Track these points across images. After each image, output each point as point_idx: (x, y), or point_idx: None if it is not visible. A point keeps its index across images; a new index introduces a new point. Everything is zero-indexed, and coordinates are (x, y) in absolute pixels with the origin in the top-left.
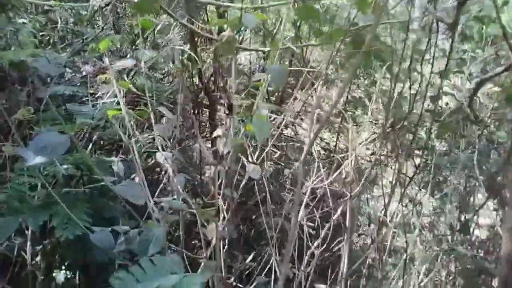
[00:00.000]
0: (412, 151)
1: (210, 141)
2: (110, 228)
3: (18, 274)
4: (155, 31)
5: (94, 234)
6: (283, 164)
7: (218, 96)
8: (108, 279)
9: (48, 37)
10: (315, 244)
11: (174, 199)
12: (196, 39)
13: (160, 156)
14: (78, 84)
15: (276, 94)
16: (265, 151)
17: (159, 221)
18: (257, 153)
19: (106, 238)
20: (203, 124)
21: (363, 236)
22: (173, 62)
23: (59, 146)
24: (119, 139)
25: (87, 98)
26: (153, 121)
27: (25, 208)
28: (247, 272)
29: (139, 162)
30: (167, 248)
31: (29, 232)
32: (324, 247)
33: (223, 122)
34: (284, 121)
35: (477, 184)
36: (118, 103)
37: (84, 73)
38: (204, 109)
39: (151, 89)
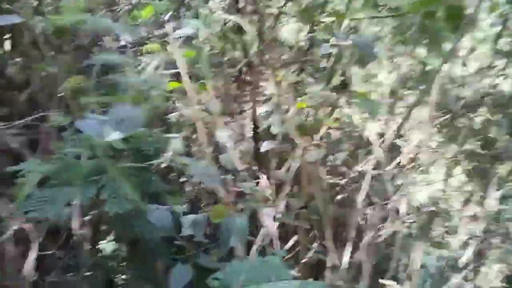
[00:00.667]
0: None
1: (252, 119)
2: (166, 207)
3: (66, 243)
4: None
5: (152, 213)
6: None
7: (262, 72)
8: (157, 254)
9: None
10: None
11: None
12: (240, 7)
13: (220, 133)
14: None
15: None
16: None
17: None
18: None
19: (165, 217)
20: (245, 101)
21: None
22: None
23: (136, 120)
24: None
25: (133, 68)
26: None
27: (74, 180)
28: None
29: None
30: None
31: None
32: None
33: (268, 99)
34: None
35: None
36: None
37: (123, 42)
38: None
39: (204, 60)
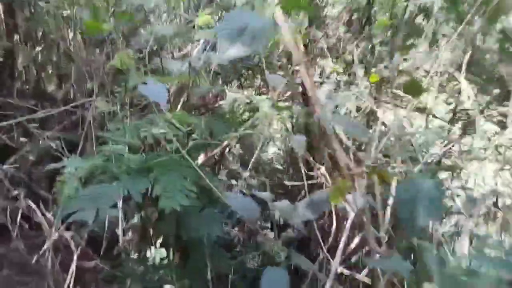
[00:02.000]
0: None
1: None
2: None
3: (109, 251)
4: None
5: (233, 200)
6: None
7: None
8: (205, 257)
9: None
10: None
11: None
12: None
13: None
14: None
15: None
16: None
17: None
18: None
19: (249, 205)
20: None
21: None
22: None
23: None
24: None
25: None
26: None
27: (124, 174)
28: None
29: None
30: None
31: (121, 203)
32: None
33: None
34: None
35: None
36: None
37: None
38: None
39: None
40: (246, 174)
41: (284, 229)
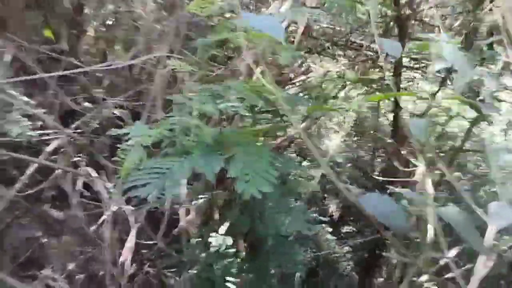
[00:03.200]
0: None
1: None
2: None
3: (169, 232)
4: None
5: (367, 199)
6: None
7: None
8: (277, 254)
9: None
10: None
11: None
12: None
13: None
14: None
15: None
16: None
17: None
18: None
19: (393, 210)
20: None
21: None
22: None
23: None
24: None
25: None
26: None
27: (196, 148)
28: None
29: None
30: None
31: (185, 182)
32: None
33: None
34: None
35: None
36: None
37: None
38: None
39: None
40: (325, 160)
41: (343, 223)
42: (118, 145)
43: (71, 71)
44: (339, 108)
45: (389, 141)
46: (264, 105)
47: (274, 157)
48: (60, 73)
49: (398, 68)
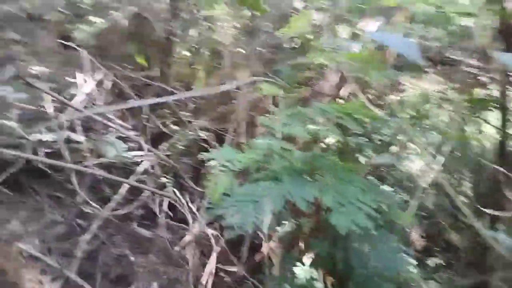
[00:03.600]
0: None
1: None
2: None
3: (250, 257)
4: None
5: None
6: None
7: None
8: None
9: None
10: None
11: None
12: None
13: None
14: None
15: None
16: None
17: None
18: None
19: None
20: None
21: None
22: None
23: None
24: None
25: None
26: None
27: (285, 173)
28: None
29: None
30: None
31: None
32: None
33: None
34: None
35: None
36: None
37: None
38: None
39: None
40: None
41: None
42: (201, 168)
43: (166, 98)
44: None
45: (497, 167)
46: (357, 127)
47: (368, 185)
48: (155, 100)
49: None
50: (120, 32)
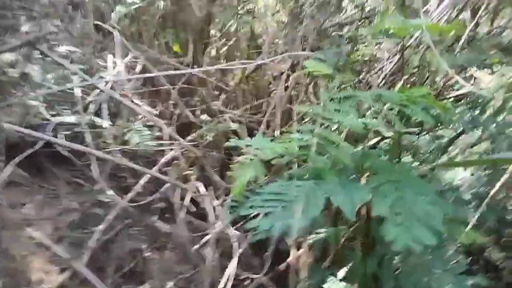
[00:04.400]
0: None
1: None
2: None
3: (276, 264)
4: None
5: None
6: None
7: None
8: None
9: None
10: None
11: None
12: None
13: None
14: None
15: None
16: None
17: None
18: None
19: None
20: None
21: None
22: None
23: None
24: None
25: None
26: None
27: (330, 172)
28: None
29: None
30: None
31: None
32: None
33: None
34: None
35: None
36: None
37: None
38: None
39: None
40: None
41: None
42: (230, 161)
43: (191, 70)
44: None
45: None
46: (428, 119)
47: (438, 194)
48: (177, 72)
49: None
50: (156, 14)
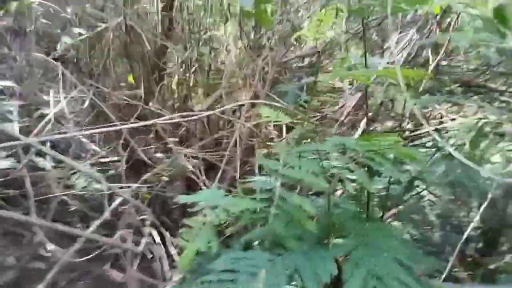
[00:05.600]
0: None
1: None
2: None
3: None
4: None
5: None
6: None
7: None
8: None
9: None
10: None
11: None
12: None
13: None
14: None
15: None
16: None
17: None
18: None
19: None
20: None
21: None
22: None
23: None
24: None
25: None
26: None
27: (291, 237)
28: None
29: None
30: None
31: None
32: None
33: None
34: None
35: None
36: None
37: None
38: None
39: None
40: None
41: None
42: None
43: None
44: None
45: None
46: (395, 172)
47: (410, 253)
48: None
49: None
50: (105, 45)
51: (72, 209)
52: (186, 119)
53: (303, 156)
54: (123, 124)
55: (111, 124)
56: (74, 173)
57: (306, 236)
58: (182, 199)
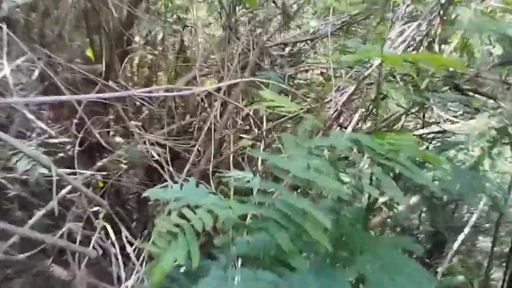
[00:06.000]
0: None
1: None
2: None
3: None
4: None
5: None
6: None
7: None
8: None
9: None
10: None
11: None
12: None
13: None
14: None
15: None
16: None
17: None
18: None
19: None
20: None
21: None
22: None
23: None
24: None
25: None
26: None
27: (295, 257)
28: None
29: None
30: None
31: None
32: None
33: None
34: None
35: None
36: None
37: None
38: None
39: None
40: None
41: None
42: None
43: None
44: None
45: None
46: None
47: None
48: (89, 96)
49: None
50: (62, 11)
51: (11, 194)
52: (171, 94)
53: (311, 152)
54: (79, 100)
55: (65, 96)
56: (16, 153)
57: (311, 251)
58: (152, 194)
